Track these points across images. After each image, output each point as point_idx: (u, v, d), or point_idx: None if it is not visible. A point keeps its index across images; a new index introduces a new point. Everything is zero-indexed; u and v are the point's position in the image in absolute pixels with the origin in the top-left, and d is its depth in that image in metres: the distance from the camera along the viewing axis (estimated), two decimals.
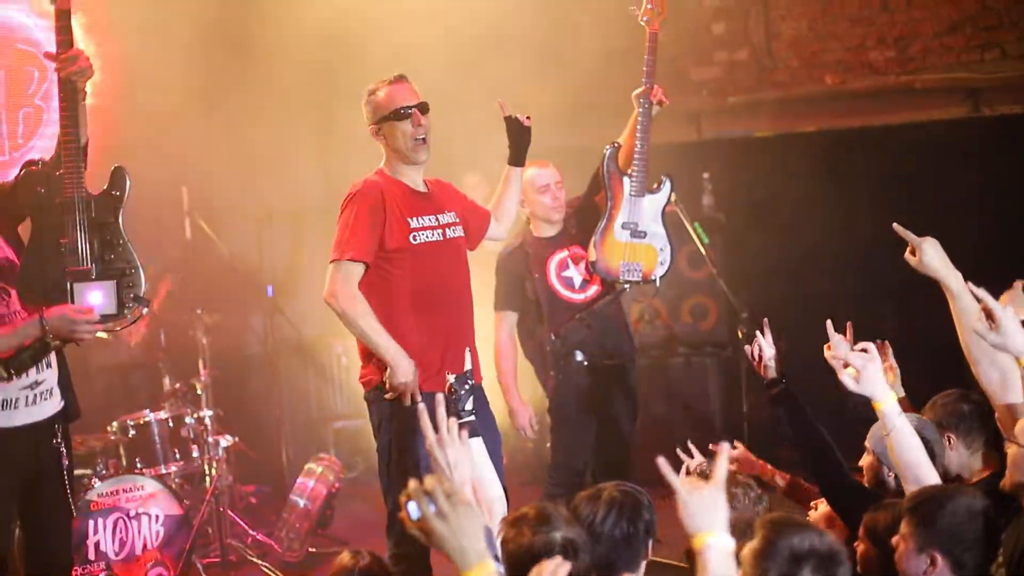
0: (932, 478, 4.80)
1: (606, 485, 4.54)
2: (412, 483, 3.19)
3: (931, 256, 5.09)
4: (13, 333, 5.54)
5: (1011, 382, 4.92)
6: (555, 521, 4.04)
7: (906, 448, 4.82)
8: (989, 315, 4.40)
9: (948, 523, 4.18)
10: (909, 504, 4.32)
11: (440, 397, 4.14)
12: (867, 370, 4.86)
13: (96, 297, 5.61)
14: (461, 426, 5.07)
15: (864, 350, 4.93)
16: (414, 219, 6.13)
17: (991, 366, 4.93)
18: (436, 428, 3.98)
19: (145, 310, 5.81)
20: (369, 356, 6.17)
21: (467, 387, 5.29)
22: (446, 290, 6.23)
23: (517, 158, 6.53)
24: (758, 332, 5.84)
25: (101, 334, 5.98)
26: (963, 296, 5.00)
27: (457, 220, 6.34)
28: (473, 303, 6.46)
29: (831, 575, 3.55)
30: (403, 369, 5.87)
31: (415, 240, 6.11)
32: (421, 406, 4.07)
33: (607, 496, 4.43)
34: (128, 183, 5.72)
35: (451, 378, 5.36)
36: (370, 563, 4.55)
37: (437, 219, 6.24)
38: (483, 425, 5.95)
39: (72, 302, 5.56)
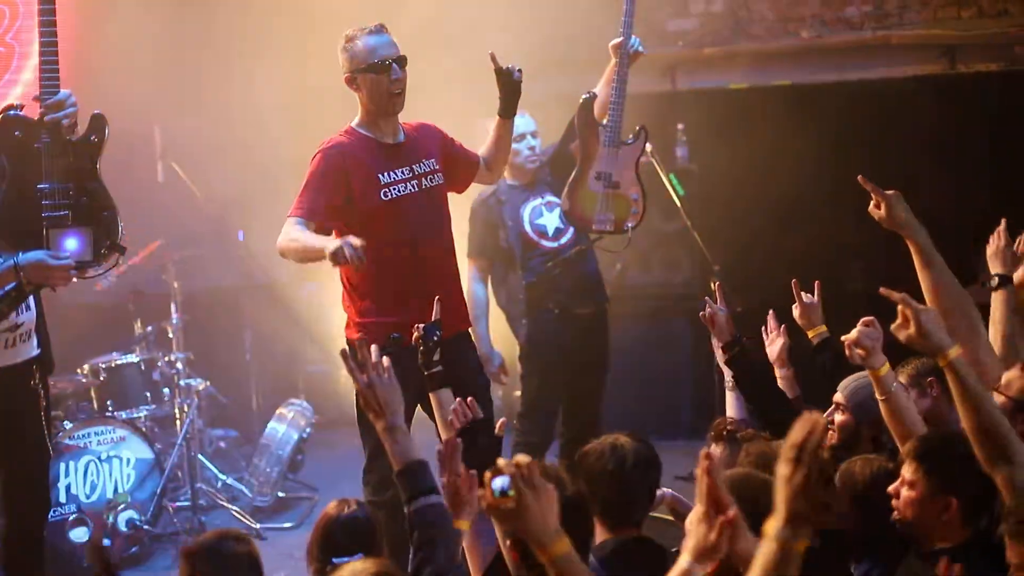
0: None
1: (622, 437, 4.66)
2: (501, 461, 3.20)
3: (898, 211, 5.12)
4: None
5: (976, 327, 5.03)
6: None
7: (905, 414, 4.86)
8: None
9: (961, 468, 4.20)
10: (916, 451, 4.34)
11: (346, 351, 4.40)
12: (875, 348, 4.88)
13: (72, 243, 5.61)
14: (429, 376, 5.15)
15: (868, 324, 4.95)
16: (384, 174, 6.11)
17: (958, 315, 4.98)
18: (363, 369, 4.27)
19: (121, 257, 5.80)
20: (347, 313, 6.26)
21: (435, 338, 5.29)
22: (425, 242, 6.21)
23: (507, 110, 6.44)
24: (707, 299, 5.91)
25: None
26: (928, 250, 5.06)
27: (436, 167, 6.30)
28: (454, 251, 6.46)
29: None
30: (329, 246, 5.71)
31: (386, 196, 6.09)
32: (345, 351, 4.38)
33: (631, 447, 4.58)
34: (107, 129, 5.71)
35: (419, 329, 5.36)
36: (355, 511, 4.59)
37: (412, 169, 6.20)
38: (465, 371, 5.98)
39: (48, 247, 5.55)
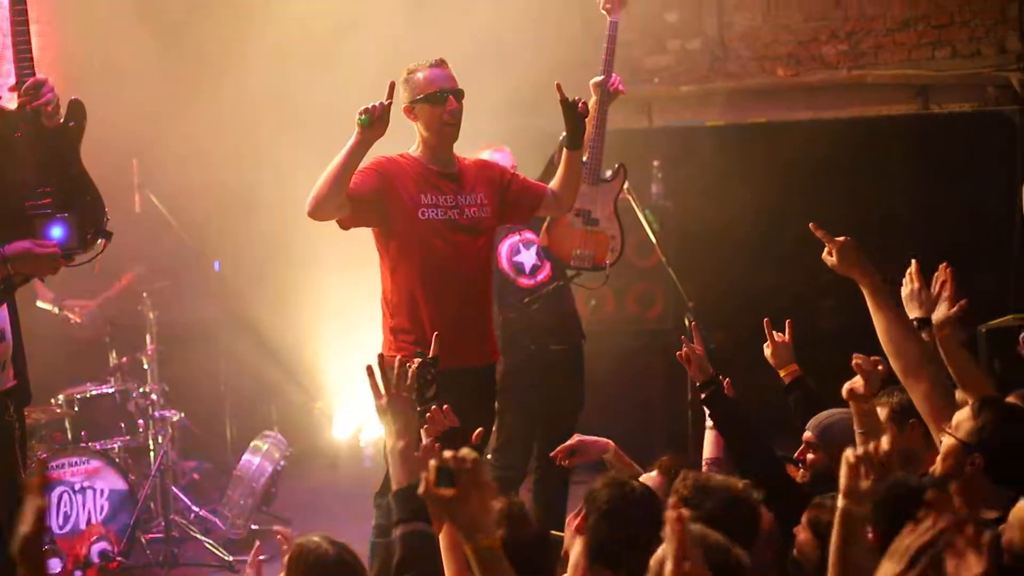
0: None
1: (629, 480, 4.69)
2: (447, 453, 3.27)
3: (848, 256, 5.18)
4: None
5: (920, 371, 5.05)
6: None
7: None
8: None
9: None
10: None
11: (370, 367, 4.43)
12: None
13: (57, 231, 5.52)
14: (422, 411, 5.17)
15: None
16: (426, 195, 6.23)
17: (903, 359, 5.04)
18: (386, 391, 4.35)
19: (108, 242, 5.69)
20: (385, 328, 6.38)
21: (431, 374, 5.31)
22: (455, 270, 6.29)
23: (574, 141, 6.49)
24: (683, 337, 5.95)
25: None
26: (878, 296, 5.11)
27: (483, 202, 6.38)
28: (488, 286, 6.57)
29: None
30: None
31: (423, 216, 6.19)
32: (371, 367, 4.43)
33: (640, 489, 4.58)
34: (85, 116, 5.64)
35: (415, 363, 5.38)
36: (337, 552, 4.55)
37: (456, 199, 6.31)
38: (475, 407, 6.00)
39: (34, 237, 5.50)
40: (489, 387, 6.60)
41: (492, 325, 6.67)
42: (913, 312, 5.64)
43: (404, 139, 6.41)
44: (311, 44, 10.04)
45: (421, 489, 3.28)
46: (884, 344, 5.05)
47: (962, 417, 4.58)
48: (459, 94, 6.28)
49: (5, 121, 5.54)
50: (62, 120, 5.61)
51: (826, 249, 5.24)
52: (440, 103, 6.21)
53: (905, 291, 5.73)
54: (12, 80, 5.61)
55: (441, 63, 6.32)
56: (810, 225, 5.30)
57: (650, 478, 5.27)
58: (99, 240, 5.66)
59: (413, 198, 6.21)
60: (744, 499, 4.44)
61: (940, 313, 5.59)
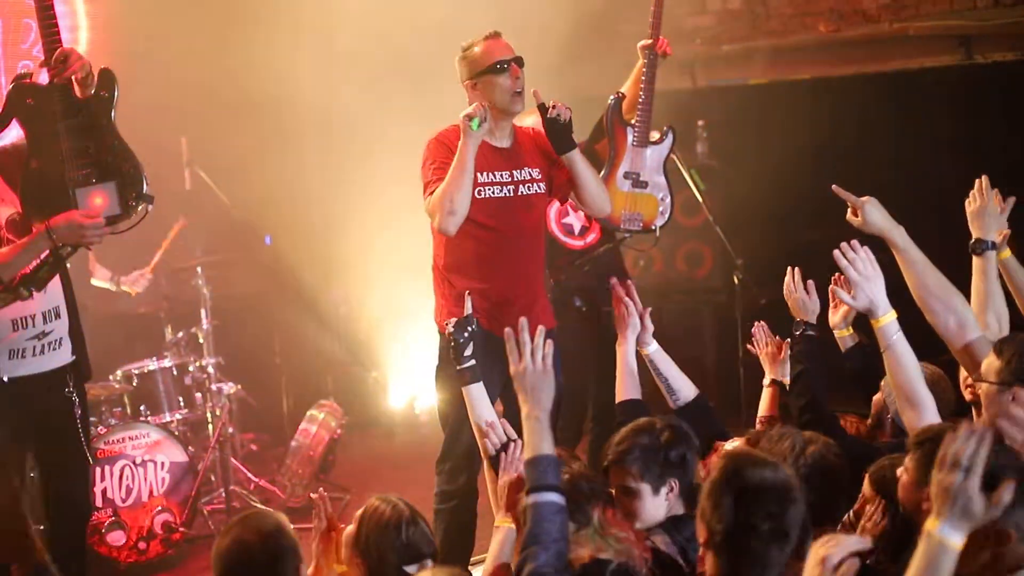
0: (927, 401, 4.84)
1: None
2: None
3: (873, 216, 5.17)
4: (24, 249, 5.55)
5: (965, 320, 5.03)
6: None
7: (902, 367, 4.86)
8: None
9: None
10: (915, 437, 4.28)
11: (510, 332, 4.47)
12: (861, 286, 4.91)
13: (99, 200, 5.59)
14: (460, 371, 5.24)
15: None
16: (483, 174, 6.25)
17: (946, 312, 5.02)
18: (520, 356, 4.38)
19: (150, 207, 5.73)
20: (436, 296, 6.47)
21: (467, 333, 5.36)
22: (508, 244, 6.35)
23: (559, 149, 6.36)
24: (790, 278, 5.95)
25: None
26: (909, 250, 5.09)
27: (538, 177, 6.42)
28: (540, 256, 6.61)
29: (784, 510, 3.61)
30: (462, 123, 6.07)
31: (479, 195, 6.21)
32: (508, 332, 4.49)
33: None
34: (116, 84, 5.67)
35: (451, 324, 5.44)
36: (412, 515, 4.61)
37: (512, 175, 6.35)
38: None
39: (76, 208, 5.56)
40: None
41: (544, 293, 6.70)
42: (976, 232, 5.64)
43: None
44: (359, 17, 10.07)
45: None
46: (917, 300, 5.06)
47: (989, 362, 4.62)
48: (520, 61, 6.31)
49: (39, 96, 5.60)
50: (93, 91, 5.65)
51: (850, 210, 5.26)
52: (503, 73, 6.24)
53: (971, 208, 5.75)
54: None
55: (496, 35, 6.34)
56: (832, 187, 5.33)
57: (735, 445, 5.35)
58: (141, 205, 5.69)
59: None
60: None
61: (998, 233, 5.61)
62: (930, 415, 4.80)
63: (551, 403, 4.36)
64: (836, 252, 4.94)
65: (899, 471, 4.29)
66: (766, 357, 6.22)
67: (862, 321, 5.44)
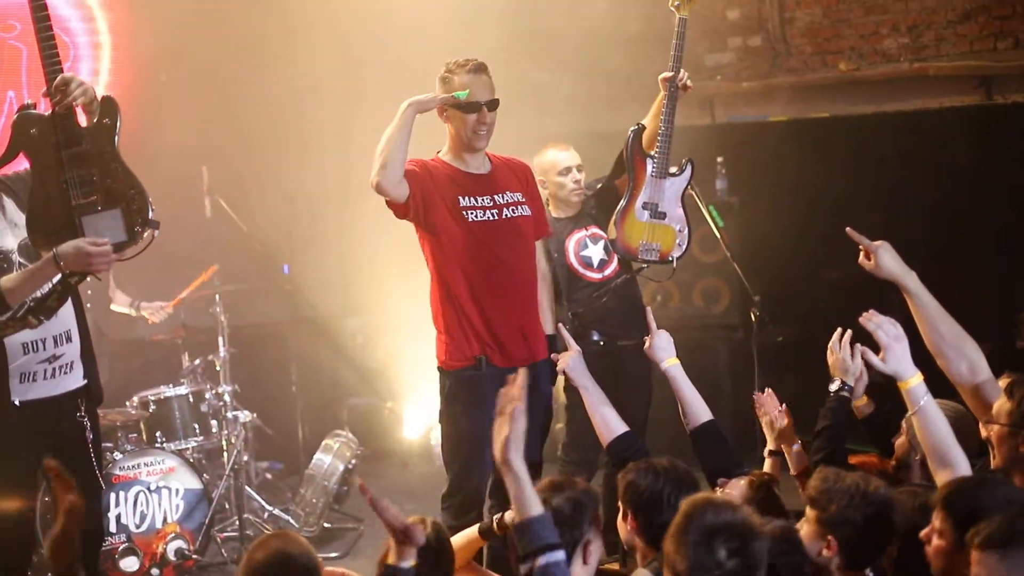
0: (959, 460, 4.74)
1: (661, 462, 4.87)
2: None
3: (886, 261, 5.18)
4: (30, 276, 5.53)
5: (977, 365, 5.03)
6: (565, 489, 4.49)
7: (932, 429, 4.79)
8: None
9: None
10: (944, 497, 4.14)
11: (521, 372, 4.23)
12: (893, 349, 4.90)
13: (106, 227, 5.58)
14: None
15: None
16: (464, 198, 6.29)
17: (959, 358, 5.03)
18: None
19: (156, 232, 5.67)
20: (438, 333, 6.44)
21: None
22: (504, 270, 6.39)
23: None
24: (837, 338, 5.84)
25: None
26: (921, 295, 5.10)
27: (521, 200, 6.47)
28: (534, 281, 6.64)
29: (745, 548, 3.65)
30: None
31: (464, 218, 6.27)
32: (519, 375, 4.22)
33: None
34: (118, 111, 5.65)
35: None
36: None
37: (493, 199, 6.38)
38: (536, 401, 5.99)
39: (82, 235, 5.52)
40: (540, 384, 6.57)
41: (540, 323, 6.72)
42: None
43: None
44: (378, 46, 10.12)
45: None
46: (928, 344, 5.05)
47: (1000, 404, 4.62)
48: (493, 104, 6.32)
49: (41, 125, 5.57)
50: (95, 119, 5.63)
51: (862, 253, 5.25)
52: (473, 111, 6.26)
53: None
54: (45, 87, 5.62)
55: (479, 68, 6.33)
56: (847, 230, 5.32)
57: (738, 486, 5.32)
58: (147, 231, 5.65)
59: (454, 203, 6.29)
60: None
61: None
62: (963, 472, 4.71)
63: (522, 449, 4.07)
64: (862, 319, 4.94)
65: (924, 533, 4.17)
66: (767, 425, 6.19)
67: None
